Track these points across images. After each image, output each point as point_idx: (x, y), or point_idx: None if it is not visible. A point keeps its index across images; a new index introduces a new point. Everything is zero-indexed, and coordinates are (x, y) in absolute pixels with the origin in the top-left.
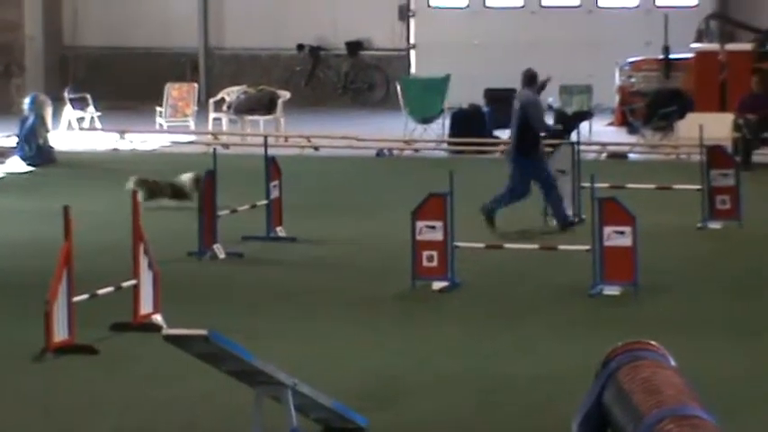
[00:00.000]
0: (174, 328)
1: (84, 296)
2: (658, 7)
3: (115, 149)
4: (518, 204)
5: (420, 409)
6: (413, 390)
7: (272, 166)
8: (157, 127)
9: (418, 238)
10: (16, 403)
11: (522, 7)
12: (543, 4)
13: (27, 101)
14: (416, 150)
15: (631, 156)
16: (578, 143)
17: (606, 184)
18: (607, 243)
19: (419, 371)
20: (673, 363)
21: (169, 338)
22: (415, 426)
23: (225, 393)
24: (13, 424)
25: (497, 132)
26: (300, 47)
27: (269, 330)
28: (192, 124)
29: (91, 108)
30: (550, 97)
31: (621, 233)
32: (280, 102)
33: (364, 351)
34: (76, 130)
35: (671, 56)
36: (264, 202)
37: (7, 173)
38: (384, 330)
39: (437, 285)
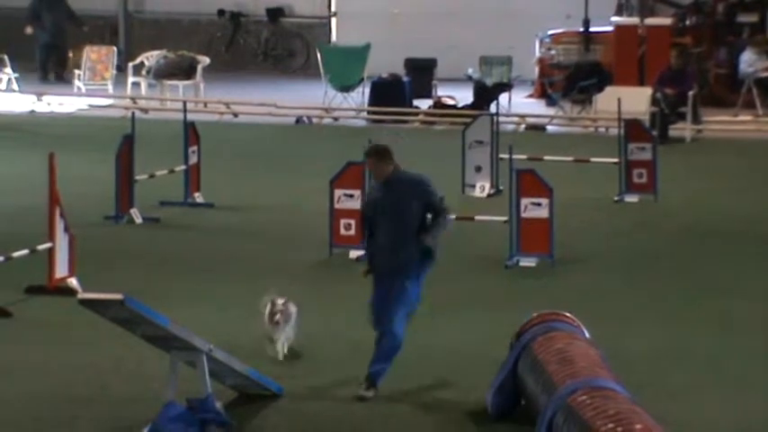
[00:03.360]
0: (90, 291)
1: (0, 258)
2: None
3: (32, 111)
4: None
5: (334, 376)
6: (328, 357)
7: (190, 132)
8: (75, 90)
9: (336, 206)
10: None
11: None
12: None
13: None
14: (336, 119)
15: (550, 128)
16: (497, 114)
17: (524, 156)
18: (524, 215)
19: (334, 339)
20: (587, 334)
21: (84, 302)
22: (329, 391)
23: (139, 359)
24: None
25: (417, 102)
26: (221, 12)
27: (184, 296)
28: (110, 88)
29: (8, 69)
30: (470, 68)
31: (538, 205)
32: (199, 67)
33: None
34: None
35: (591, 29)
36: (183, 167)
37: None
38: (300, 298)
39: (354, 254)
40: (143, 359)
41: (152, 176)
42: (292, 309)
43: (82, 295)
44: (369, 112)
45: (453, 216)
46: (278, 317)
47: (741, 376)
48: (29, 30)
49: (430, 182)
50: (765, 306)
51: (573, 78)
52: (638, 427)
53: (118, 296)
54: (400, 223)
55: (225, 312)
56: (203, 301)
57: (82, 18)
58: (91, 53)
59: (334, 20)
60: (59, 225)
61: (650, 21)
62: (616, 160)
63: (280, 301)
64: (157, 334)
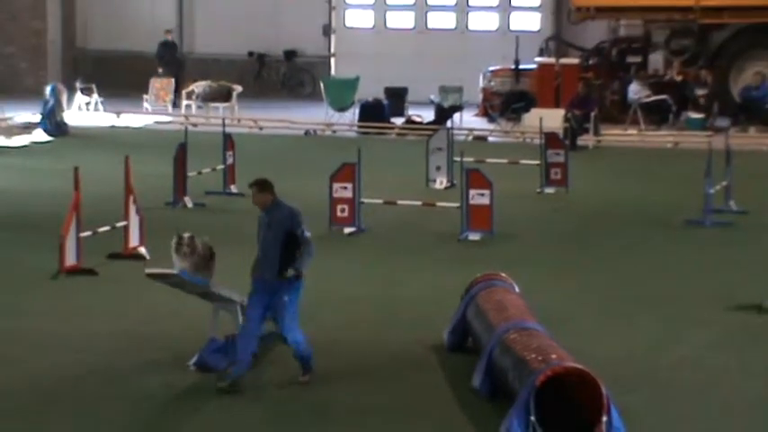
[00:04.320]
0: (154, 262)
1: (89, 233)
2: (512, 31)
3: (113, 126)
4: (406, 171)
5: (333, 323)
6: (328, 308)
7: (227, 141)
8: (144, 110)
9: (334, 195)
10: (39, 309)
11: (413, 29)
12: (428, 27)
13: (48, 88)
14: (334, 131)
15: (491, 139)
16: (452, 128)
17: (472, 159)
18: (472, 202)
19: (332, 294)
20: (517, 289)
21: (150, 276)
22: (331, 333)
23: (190, 307)
24: (37, 322)
25: (393, 119)
26: (250, 53)
27: (225, 262)
28: (169, 108)
29: (95, 95)
30: (432, 94)
31: (482, 195)
32: (234, 93)
33: None
34: (85, 111)
35: (520, 66)
36: (222, 166)
37: (33, 142)
38: None
39: (347, 230)
40: (193, 308)
41: (200, 173)
42: (199, 244)
43: (148, 270)
44: (358, 127)
45: (312, 247)
46: (185, 249)
47: (628, 317)
48: (160, 70)
49: (300, 215)
50: (648, 266)
51: (507, 102)
52: (554, 356)
53: (175, 270)
54: (268, 245)
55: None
56: (238, 266)
57: (148, 56)
58: (155, 83)
59: (333, 59)
60: (132, 208)
61: (564, 60)
62: (538, 162)
63: (186, 235)
64: (203, 292)
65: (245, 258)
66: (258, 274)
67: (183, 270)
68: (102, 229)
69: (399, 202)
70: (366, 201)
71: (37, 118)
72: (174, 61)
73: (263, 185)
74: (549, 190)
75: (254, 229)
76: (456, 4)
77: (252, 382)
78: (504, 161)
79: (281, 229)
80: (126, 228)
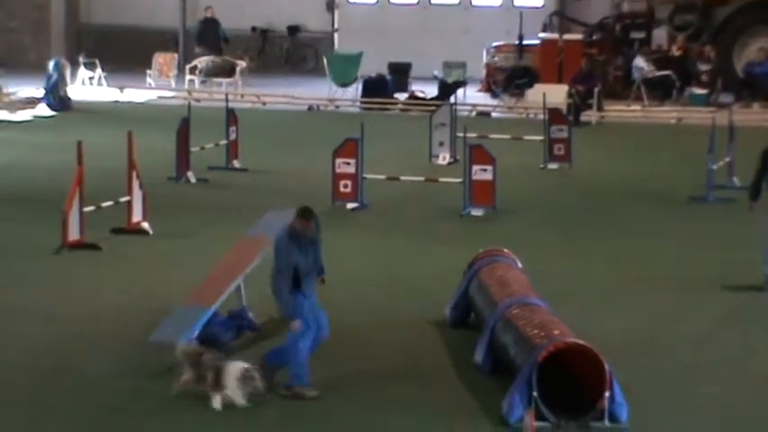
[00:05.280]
0: (157, 233)
1: (92, 207)
2: (515, 6)
3: (116, 101)
4: (409, 147)
5: (335, 298)
6: (332, 281)
7: (230, 116)
8: (147, 85)
9: (337, 171)
10: (42, 283)
11: (417, 4)
12: (432, 2)
13: (52, 63)
14: (337, 107)
15: (493, 114)
16: (455, 104)
17: (475, 135)
18: (474, 177)
19: (334, 270)
20: (519, 265)
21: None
22: (333, 309)
23: (194, 282)
24: (40, 297)
25: (397, 95)
26: (254, 29)
27: (227, 235)
28: (173, 83)
29: (99, 70)
30: (435, 70)
31: (485, 170)
32: (237, 69)
33: None
34: (88, 86)
35: (524, 42)
36: (225, 142)
37: (36, 116)
38: None
39: (350, 206)
40: (196, 283)
41: (203, 148)
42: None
43: (152, 338)
44: (361, 102)
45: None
46: (210, 378)
47: (630, 293)
48: (198, 49)
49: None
50: (650, 244)
51: (510, 78)
52: (556, 332)
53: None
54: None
55: None
56: (239, 235)
57: (151, 31)
58: (159, 58)
59: (336, 34)
60: (135, 183)
61: (567, 36)
62: (541, 138)
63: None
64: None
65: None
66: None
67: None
68: (105, 204)
69: (402, 177)
70: (369, 176)
71: (40, 93)
72: (215, 38)
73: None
74: (553, 166)
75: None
76: None
77: (249, 357)
78: (507, 137)
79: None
80: (129, 203)
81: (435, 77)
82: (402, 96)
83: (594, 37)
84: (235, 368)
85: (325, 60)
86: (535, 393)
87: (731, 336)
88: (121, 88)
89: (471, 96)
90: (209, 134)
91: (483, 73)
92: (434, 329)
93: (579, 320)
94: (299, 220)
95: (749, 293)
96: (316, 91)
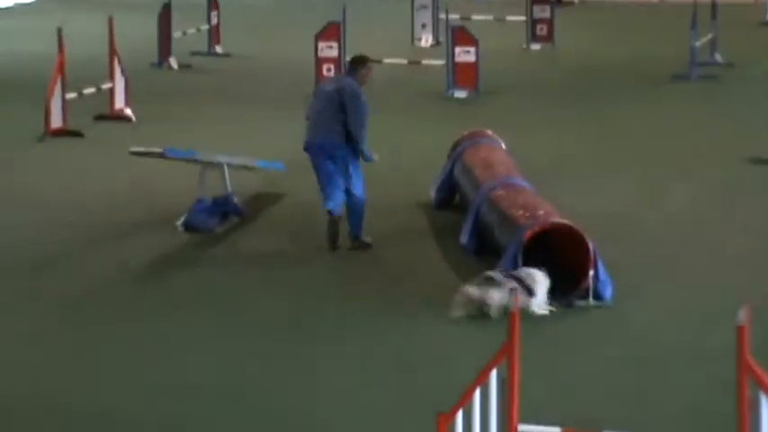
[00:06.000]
0: (139, 146)
1: (74, 94)
2: None
3: None
4: (392, 29)
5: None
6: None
7: (212, 1)
8: None
9: (320, 55)
10: (25, 169)
11: None
12: None
13: None
14: None
15: None
16: None
17: (457, 16)
18: (457, 59)
19: None
20: (504, 146)
21: (134, 154)
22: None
23: (178, 171)
24: (25, 183)
25: None
26: None
27: (209, 118)
28: None
29: None
30: None
31: (468, 52)
32: None
33: (278, 134)
34: None
35: None
36: (207, 26)
37: (16, 2)
38: (292, 120)
39: None
40: (180, 169)
41: (184, 34)
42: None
43: (133, 149)
44: None
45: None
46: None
47: (614, 172)
48: None
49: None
50: (634, 120)
51: None
52: (541, 212)
53: (159, 149)
54: None
55: (239, 130)
56: (223, 121)
57: None
58: None
59: None
60: (117, 69)
61: None
62: (524, 18)
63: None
64: (191, 159)
65: (230, 116)
66: None
67: (169, 148)
68: (87, 91)
69: (385, 60)
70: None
71: None
72: None
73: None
74: (536, 46)
75: (239, 89)
76: None
77: (235, 242)
78: (490, 18)
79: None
80: (111, 89)
81: None
82: None
83: None
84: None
85: None
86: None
87: (717, 211)
88: None
89: None
90: (190, 19)
91: None
92: (419, 211)
93: (563, 199)
94: (363, 68)
95: (732, 168)
96: None
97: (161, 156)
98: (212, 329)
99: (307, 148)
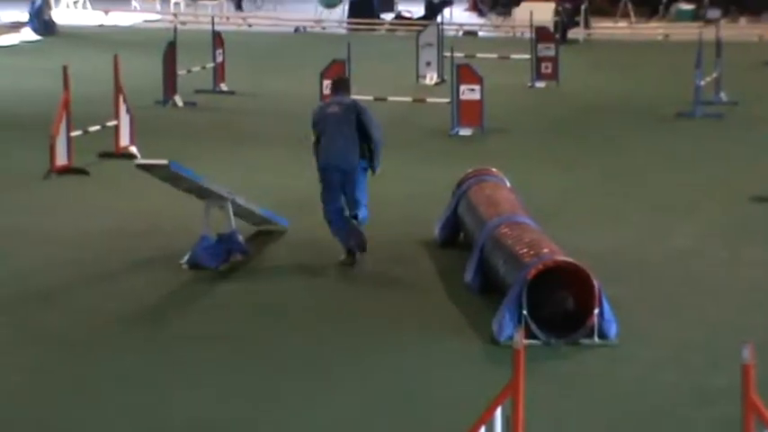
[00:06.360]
0: (145, 158)
1: (79, 132)
2: None
3: (101, 25)
4: (396, 67)
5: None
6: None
7: (217, 39)
8: (132, 8)
9: (324, 92)
10: (30, 207)
11: None
12: None
13: None
14: (324, 28)
15: (481, 33)
16: (442, 24)
17: (462, 54)
18: (462, 97)
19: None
20: (508, 184)
21: (140, 166)
22: (322, 229)
23: (181, 205)
24: (29, 220)
25: (383, 15)
26: None
27: (214, 158)
28: (158, 6)
29: None
30: None
31: (473, 90)
32: None
33: (281, 172)
34: (73, 10)
35: None
36: (212, 65)
37: (21, 41)
38: (297, 159)
39: None
40: (184, 206)
41: (189, 71)
42: None
43: (138, 161)
44: (348, 23)
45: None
46: None
47: (619, 210)
48: None
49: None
50: (639, 159)
51: None
52: (545, 250)
53: (165, 161)
54: None
55: (242, 168)
56: (228, 161)
57: None
58: None
59: None
60: (122, 107)
61: None
62: (529, 56)
63: None
64: (194, 187)
65: (235, 156)
66: None
67: (173, 161)
68: (92, 129)
69: (390, 98)
70: (356, 97)
71: (25, 17)
72: None
73: None
74: (540, 84)
75: (244, 127)
76: None
77: (239, 280)
78: (495, 56)
79: None
80: (116, 127)
81: None
82: (388, 17)
83: None
84: None
85: None
86: (525, 312)
87: (720, 249)
88: (106, 12)
89: (458, 15)
90: (195, 57)
91: None
92: (423, 249)
93: (568, 238)
94: (348, 88)
95: (737, 207)
96: (302, 13)
97: (166, 169)
98: (216, 366)
99: (323, 168)
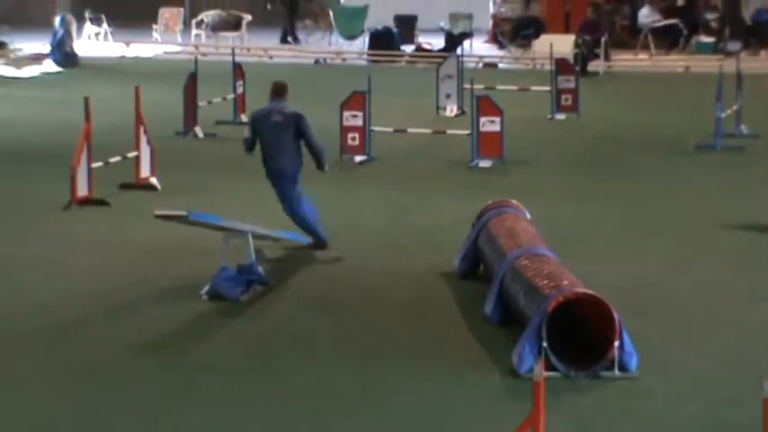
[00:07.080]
0: (163, 210)
1: (100, 163)
2: None
3: (122, 56)
4: (416, 99)
5: (347, 248)
6: (342, 233)
7: (237, 70)
8: (153, 40)
9: (345, 124)
10: (51, 238)
11: None
12: None
13: (58, 19)
14: (344, 60)
15: (500, 65)
16: (462, 56)
17: (482, 86)
18: (482, 129)
19: (346, 220)
20: (528, 216)
21: (159, 217)
22: (342, 261)
23: (202, 237)
24: (50, 252)
25: (403, 47)
26: None
27: (234, 189)
28: (179, 38)
29: (105, 25)
30: (442, 21)
31: (493, 122)
32: (244, 22)
33: None
34: (94, 42)
35: None
36: (232, 96)
37: (43, 72)
38: (318, 191)
39: (358, 159)
40: (205, 238)
41: (210, 102)
42: None
43: (157, 212)
44: (368, 55)
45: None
46: None
47: (639, 242)
48: (269, 7)
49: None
50: (660, 191)
51: (517, 28)
52: (565, 282)
53: (183, 212)
54: None
55: (263, 198)
56: (248, 192)
57: None
58: (165, 13)
59: None
60: (143, 138)
61: None
62: (549, 88)
63: None
64: (215, 227)
65: (255, 186)
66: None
67: (192, 211)
68: (113, 160)
69: (410, 129)
70: (376, 129)
71: (46, 49)
72: None
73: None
74: (560, 116)
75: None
76: None
77: (259, 310)
78: (515, 88)
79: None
80: (137, 158)
81: (442, 29)
82: (409, 49)
83: None
84: None
85: (331, 14)
86: (545, 344)
87: (742, 282)
88: (127, 43)
89: (478, 48)
90: (216, 88)
91: (489, 24)
92: (443, 280)
93: (588, 270)
94: (287, 93)
95: (758, 239)
96: (323, 44)
97: (185, 219)
98: (234, 398)
99: (270, 175)
